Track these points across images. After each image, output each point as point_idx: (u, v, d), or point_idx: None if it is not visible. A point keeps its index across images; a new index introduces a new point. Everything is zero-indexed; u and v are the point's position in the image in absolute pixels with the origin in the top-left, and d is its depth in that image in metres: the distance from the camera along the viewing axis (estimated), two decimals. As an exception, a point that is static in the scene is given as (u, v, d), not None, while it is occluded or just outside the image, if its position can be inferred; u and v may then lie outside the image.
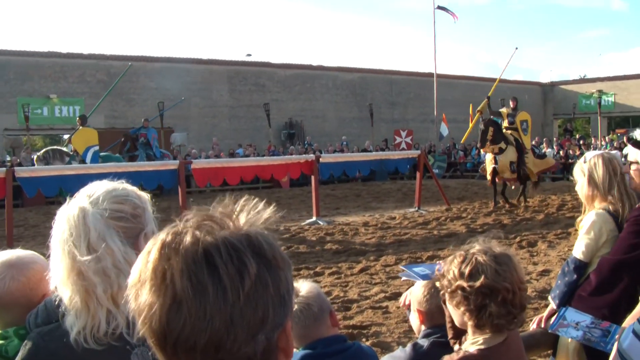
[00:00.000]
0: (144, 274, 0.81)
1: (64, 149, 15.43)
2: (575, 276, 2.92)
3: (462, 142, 23.38)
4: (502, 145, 13.37)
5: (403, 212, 13.71)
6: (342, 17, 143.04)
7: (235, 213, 0.86)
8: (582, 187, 2.98)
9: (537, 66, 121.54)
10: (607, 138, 28.47)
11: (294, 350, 1.84)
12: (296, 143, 27.25)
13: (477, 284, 1.71)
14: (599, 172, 2.90)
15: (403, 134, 27.48)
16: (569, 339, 2.74)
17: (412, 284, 2.24)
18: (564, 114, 38.30)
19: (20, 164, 16.59)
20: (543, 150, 18.34)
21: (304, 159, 13.49)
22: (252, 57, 32.90)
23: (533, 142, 17.90)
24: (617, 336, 2.15)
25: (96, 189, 1.45)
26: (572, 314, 2.67)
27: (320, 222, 12.35)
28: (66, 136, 18.33)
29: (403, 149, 24.94)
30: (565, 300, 2.90)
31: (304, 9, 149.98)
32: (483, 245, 1.80)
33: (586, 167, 2.95)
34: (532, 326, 3.01)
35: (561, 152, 24.23)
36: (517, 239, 9.83)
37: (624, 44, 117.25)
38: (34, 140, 30.81)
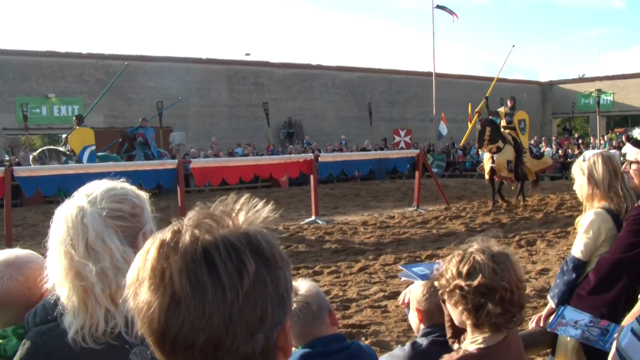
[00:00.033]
0: (142, 272, 0.81)
1: (61, 148, 15.41)
2: (574, 275, 2.93)
3: (461, 144, 23.38)
4: (500, 144, 13.37)
5: (402, 211, 13.71)
6: (341, 16, 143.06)
7: (235, 212, 0.86)
8: (581, 186, 2.98)
9: (536, 65, 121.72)
10: (605, 137, 28.47)
11: (293, 349, 1.84)
12: (295, 142, 27.24)
13: (475, 283, 1.71)
14: (599, 170, 2.90)
15: (402, 133, 27.47)
16: (568, 338, 2.74)
17: (411, 283, 2.23)
18: (562, 113, 38.35)
19: (18, 164, 16.57)
20: (542, 150, 18.34)
21: (303, 158, 13.47)
22: (251, 56, 33.00)
23: (532, 142, 17.92)
24: (615, 335, 2.15)
25: (95, 188, 1.45)
26: (571, 313, 2.67)
27: (319, 221, 12.35)
28: (65, 136, 18.32)
29: (402, 148, 24.93)
30: (564, 299, 2.91)
31: (303, 8, 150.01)
32: (481, 245, 1.80)
33: (585, 165, 2.95)
34: (531, 325, 3.01)
35: (560, 151, 24.25)
36: (516, 238, 9.84)
37: (623, 43, 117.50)
38: (33, 139, 30.77)
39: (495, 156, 13.31)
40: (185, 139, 24.67)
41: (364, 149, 24.50)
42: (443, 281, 1.80)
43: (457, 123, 29.47)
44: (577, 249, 2.93)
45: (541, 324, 2.93)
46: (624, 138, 3.29)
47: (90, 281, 1.34)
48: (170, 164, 12.04)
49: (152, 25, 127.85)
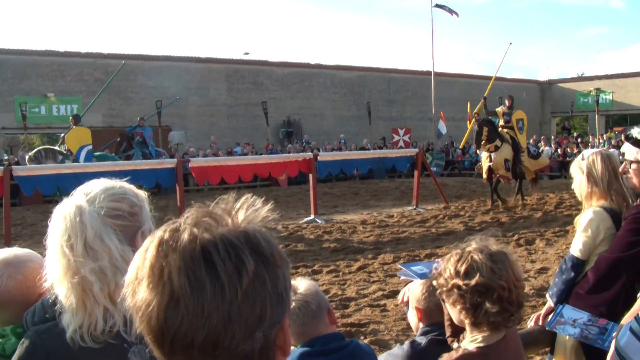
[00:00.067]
0: (141, 271, 0.81)
1: (57, 147, 15.42)
2: (572, 274, 2.93)
3: (460, 147, 23.39)
4: (498, 142, 13.37)
5: (401, 210, 13.71)
6: (340, 15, 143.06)
7: (234, 210, 0.86)
8: (580, 185, 2.98)
9: (535, 64, 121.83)
10: (604, 136, 28.49)
11: (292, 347, 1.85)
12: (294, 141, 27.23)
13: (473, 282, 1.71)
14: (598, 169, 2.89)
15: (401, 132, 27.48)
16: (567, 337, 2.74)
17: (410, 282, 2.24)
18: (561, 112, 38.36)
19: (17, 163, 16.57)
20: (541, 149, 18.34)
21: (302, 157, 13.47)
22: (250, 55, 32.99)
23: (530, 141, 17.92)
24: (614, 334, 2.15)
25: (93, 187, 1.44)
26: (570, 312, 2.67)
27: (318, 220, 12.35)
28: (62, 135, 18.33)
29: (401, 147, 24.95)
30: (563, 298, 2.91)
31: (302, 7, 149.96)
32: (479, 244, 1.80)
33: (584, 164, 2.95)
34: (530, 324, 3.01)
35: (559, 150, 24.25)
36: (515, 237, 9.85)
37: (622, 42, 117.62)
38: (32, 139, 30.73)
39: (492, 155, 13.32)
40: (184, 138, 24.66)
41: (363, 148, 24.49)
42: (441, 280, 1.81)
43: (456, 122, 29.48)
44: (576, 248, 2.93)
45: (540, 323, 2.94)
46: (622, 137, 3.29)
47: (88, 280, 1.34)
48: (169, 163, 12.03)
49: (151, 25, 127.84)
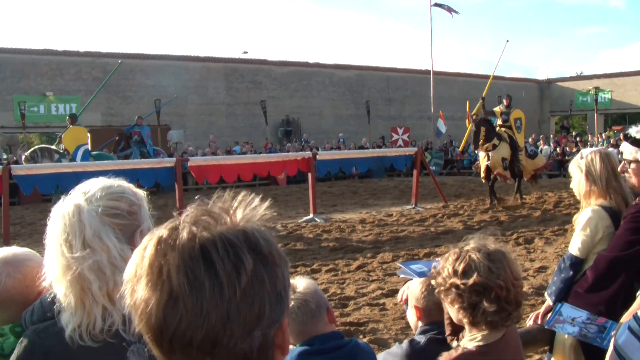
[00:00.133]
0: (140, 269, 0.81)
1: (53, 147, 15.41)
2: (571, 273, 2.93)
3: (460, 149, 23.39)
4: (495, 141, 13.38)
5: (400, 209, 13.71)
6: (339, 14, 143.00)
7: (233, 209, 0.85)
8: (578, 183, 2.98)
9: (533, 63, 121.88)
10: (603, 135, 28.52)
11: (291, 346, 1.85)
12: (293, 140, 27.23)
13: (470, 281, 1.71)
14: (597, 167, 2.89)
15: (400, 131, 27.49)
16: (566, 335, 2.74)
17: (410, 281, 2.24)
18: (560, 111, 38.36)
19: (16, 162, 16.57)
20: (540, 148, 18.34)
21: (301, 156, 13.46)
22: (249, 54, 32.98)
23: (529, 140, 17.93)
24: (613, 332, 2.15)
25: (92, 186, 1.44)
26: (568, 310, 2.68)
27: (317, 219, 12.35)
28: (60, 134, 18.32)
29: (400, 146, 24.95)
30: (562, 297, 2.91)
31: (300, 6, 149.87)
32: (478, 243, 1.80)
33: (583, 163, 2.95)
34: (529, 322, 3.02)
35: (558, 149, 24.26)
36: (514, 236, 9.85)
37: (621, 41, 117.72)
38: (31, 138, 30.70)
39: (490, 153, 13.32)
40: (183, 137, 24.65)
41: (361, 147, 24.50)
42: (439, 279, 1.81)
43: (455, 121, 29.48)
44: (575, 247, 2.93)
45: (539, 322, 2.94)
46: (621, 136, 3.29)
47: (87, 279, 1.34)
48: (168, 162, 12.04)
49: (150, 24, 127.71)
